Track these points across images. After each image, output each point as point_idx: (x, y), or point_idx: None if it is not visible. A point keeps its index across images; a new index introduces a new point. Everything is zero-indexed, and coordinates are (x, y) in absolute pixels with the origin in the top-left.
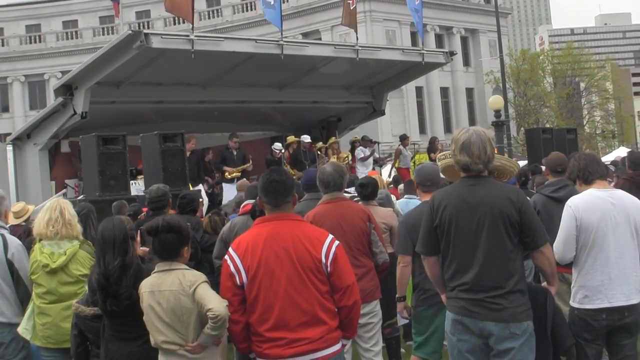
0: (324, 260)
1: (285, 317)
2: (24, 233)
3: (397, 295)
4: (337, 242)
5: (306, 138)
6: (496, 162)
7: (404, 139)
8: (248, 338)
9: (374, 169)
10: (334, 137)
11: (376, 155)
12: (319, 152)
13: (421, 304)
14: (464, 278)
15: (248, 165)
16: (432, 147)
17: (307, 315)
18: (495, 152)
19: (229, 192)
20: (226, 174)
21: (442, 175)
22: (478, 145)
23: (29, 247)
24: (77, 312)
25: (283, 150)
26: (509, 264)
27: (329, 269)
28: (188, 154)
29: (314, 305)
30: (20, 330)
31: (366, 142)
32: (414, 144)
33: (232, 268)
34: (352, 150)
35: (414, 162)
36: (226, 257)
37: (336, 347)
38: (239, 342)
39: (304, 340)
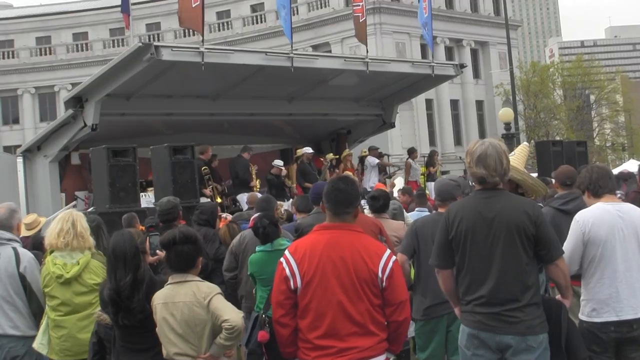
0: (380, 274)
1: (336, 327)
2: (32, 246)
3: None
4: (394, 258)
5: (308, 150)
6: (528, 180)
7: (412, 152)
8: (295, 343)
9: (380, 180)
10: (347, 150)
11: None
12: (330, 163)
13: (420, 318)
14: (480, 291)
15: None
16: (431, 161)
17: (358, 327)
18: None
19: (244, 203)
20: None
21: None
22: (494, 158)
23: (38, 260)
24: (99, 320)
25: (283, 167)
26: (525, 277)
27: (384, 283)
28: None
29: (365, 318)
30: (35, 345)
31: (374, 151)
32: (424, 157)
33: (287, 271)
34: (362, 163)
35: (424, 175)
36: (282, 260)
37: (382, 357)
38: (285, 346)
39: (354, 349)
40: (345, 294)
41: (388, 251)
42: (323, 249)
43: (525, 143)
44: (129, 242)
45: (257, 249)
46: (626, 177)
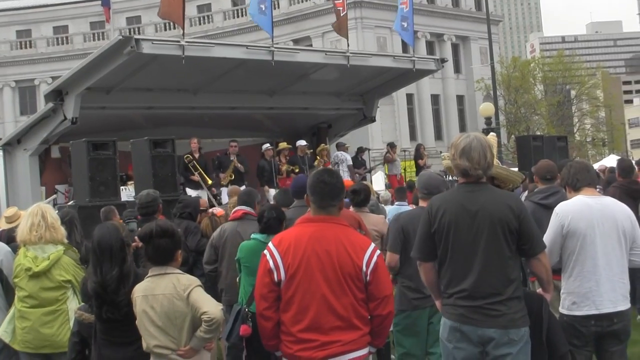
0: (364, 268)
1: (320, 320)
2: (6, 239)
3: None
4: (378, 252)
5: (302, 142)
6: (502, 172)
7: (392, 146)
8: (277, 336)
9: (364, 177)
10: (323, 144)
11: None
12: (317, 157)
13: (398, 311)
14: (462, 285)
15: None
16: (418, 154)
17: (341, 321)
18: (497, 162)
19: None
20: (221, 180)
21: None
22: (478, 151)
23: (14, 252)
24: (80, 319)
25: (270, 147)
26: (507, 271)
27: (368, 277)
28: (197, 155)
29: (349, 312)
30: (0, 332)
31: (341, 147)
32: (404, 151)
33: (271, 264)
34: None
35: (404, 169)
36: (266, 252)
37: (365, 351)
38: (268, 339)
39: (337, 343)
40: (329, 287)
41: (372, 245)
42: (308, 241)
43: (493, 133)
44: (115, 235)
45: (253, 235)
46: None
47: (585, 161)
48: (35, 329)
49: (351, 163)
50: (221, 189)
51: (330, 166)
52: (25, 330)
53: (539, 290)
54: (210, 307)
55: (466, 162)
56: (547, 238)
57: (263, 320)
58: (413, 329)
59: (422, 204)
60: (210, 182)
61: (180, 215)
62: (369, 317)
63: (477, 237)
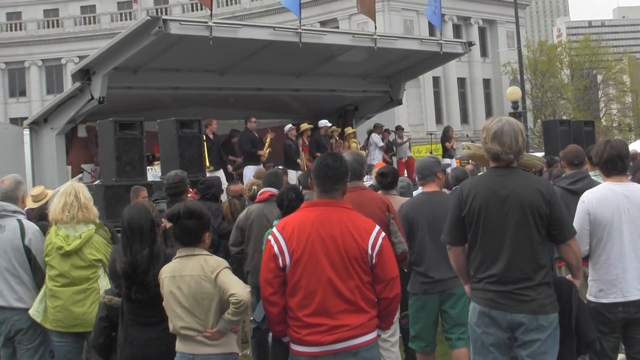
0: (369, 251)
1: (327, 304)
2: (38, 217)
3: None
4: (383, 234)
5: (326, 123)
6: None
7: (399, 129)
8: (284, 321)
9: (391, 157)
10: (350, 128)
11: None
12: (337, 139)
13: (411, 294)
14: (492, 270)
15: (268, 135)
16: (446, 137)
17: (349, 304)
18: None
19: (251, 176)
20: (261, 157)
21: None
22: (510, 135)
23: (43, 231)
24: (110, 304)
25: (293, 128)
26: (537, 256)
27: (374, 260)
28: (211, 136)
29: (355, 295)
30: (31, 312)
31: (379, 129)
32: (431, 134)
33: (275, 249)
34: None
35: (431, 152)
36: (270, 237)
37: (373, 335)
38: (275, 324)
39: (345, 327)
40: (335, 271)
41: (377, 227)
42: (312, 226)
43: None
44: (145, 216)
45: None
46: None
47: (621, 145)
48: (66, 308)
49: (382, 144)
50: (246, 166)
51: (360, 149)
52: (57, 309)
53: (569, 277)
54: (238, 289)
55: (497, 146)
56: (574, 226)
57: (269, 305)
58: (422, 312)
59: (423, 189)
60: (209, 166)
61: (204, 197)
62: (376, 300)
63: (507, 221)
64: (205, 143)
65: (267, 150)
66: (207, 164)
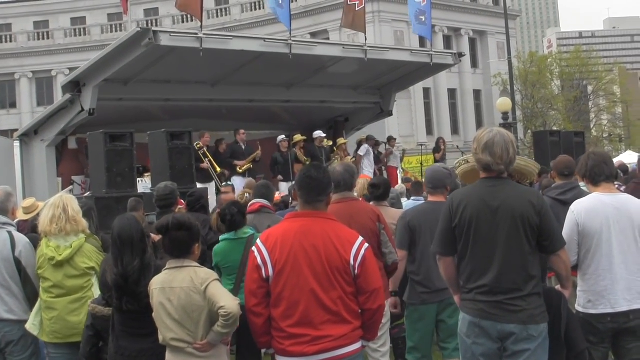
0: (352, 262)
1: (310, 315)
2: (30, 229)
3: (389, 290)
4: (366, 245)
5: (320, 134)
6: (519, 162)
7: (390, 139)
8: (268, 332)
9: (380, 169)
10: (342, 139)
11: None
12: (334, 149)
13: (408, 304)
14: (483, 280)
15: (257, 153)
16: (437, 148)
17: (332, 315)
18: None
19: (240, 188)
20: (237, 168)
21: (459, 181)
22: (501, 146)
23: (34, 243)
24: (94, 313)
25: (285, 139)
26: (528, 267)
27: (356, 271)
28: (205, 149)
29: (339, 306)
30: (28, 326)
31: (370, 140)
32: (421, 145)
33: (259, 260)
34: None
35: (421, 163)
36: (254, 249)
37: (357, 345)
38: (259, 335)
39: (328, 338)
40: (317, 282)
41: (360, 239)
42: (295, 237)
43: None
44: (135, 227)
45: (221, 238)
46: (624, 169)
47: (604, 152)
48: (62, 318)
49: (372, 155)
50: (232, 177)
51: (350, 159)
52: (53, 320)
53: (558, 287)
54: (228, 301)
55: (488, 156)
56: (563, 235)
57: (254, 316)
58: (420, 323)
59: (430, 198)
60: (219, 169)
61: (193, 209)
62: (360, 311)
63: (498, 232)
64: (207, 154)
65: (247, 165)
66: (218, 169)
